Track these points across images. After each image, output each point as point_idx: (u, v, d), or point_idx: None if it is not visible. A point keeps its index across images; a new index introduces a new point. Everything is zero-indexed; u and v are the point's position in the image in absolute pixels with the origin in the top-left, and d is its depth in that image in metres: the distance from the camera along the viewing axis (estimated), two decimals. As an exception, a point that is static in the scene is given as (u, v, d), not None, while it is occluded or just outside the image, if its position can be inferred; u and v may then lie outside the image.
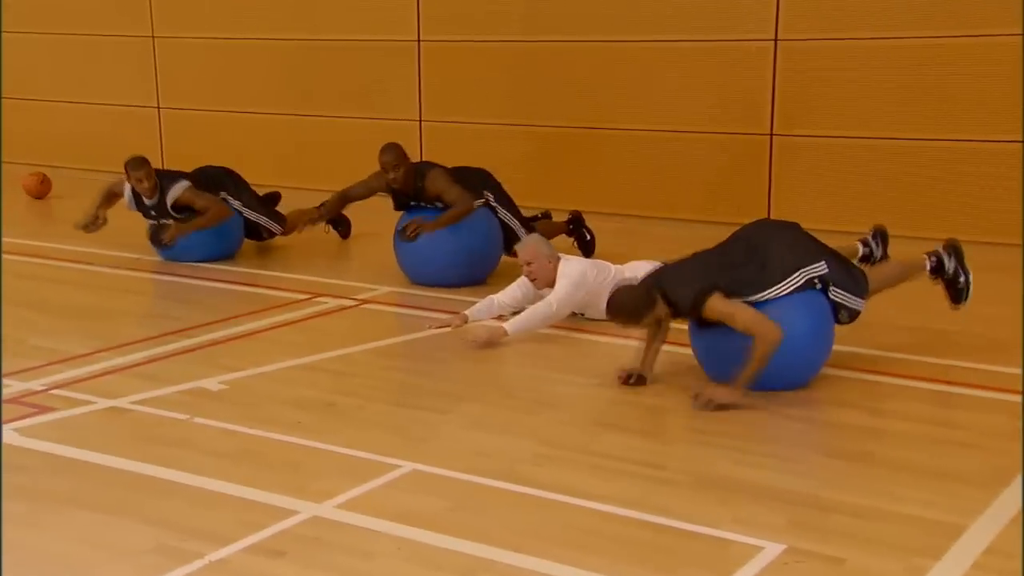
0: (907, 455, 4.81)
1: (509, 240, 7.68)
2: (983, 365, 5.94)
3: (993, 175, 8.53)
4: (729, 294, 5.33)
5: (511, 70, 10.21)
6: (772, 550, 3.93)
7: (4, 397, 5.48)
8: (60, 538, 4.10)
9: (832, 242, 5.86)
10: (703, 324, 5.46)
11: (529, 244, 6.75)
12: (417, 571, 3.84)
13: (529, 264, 6.59)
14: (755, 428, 5.12)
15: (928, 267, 6.12)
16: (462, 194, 7.53)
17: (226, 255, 8.54)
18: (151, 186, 8.26)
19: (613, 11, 9.69)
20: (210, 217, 8.34)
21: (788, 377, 5.48)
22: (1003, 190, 8.48)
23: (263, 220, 8.68)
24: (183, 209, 8.32)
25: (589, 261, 6.85)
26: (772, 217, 8.77)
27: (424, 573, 3.82)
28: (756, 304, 5.36)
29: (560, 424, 5.21)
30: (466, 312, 6.67)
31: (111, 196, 8.62)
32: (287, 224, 8.70)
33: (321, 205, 8.21)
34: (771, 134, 9.24)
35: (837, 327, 5.66)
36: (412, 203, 7.71)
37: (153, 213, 8.40)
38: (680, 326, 5.71)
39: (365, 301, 7.40)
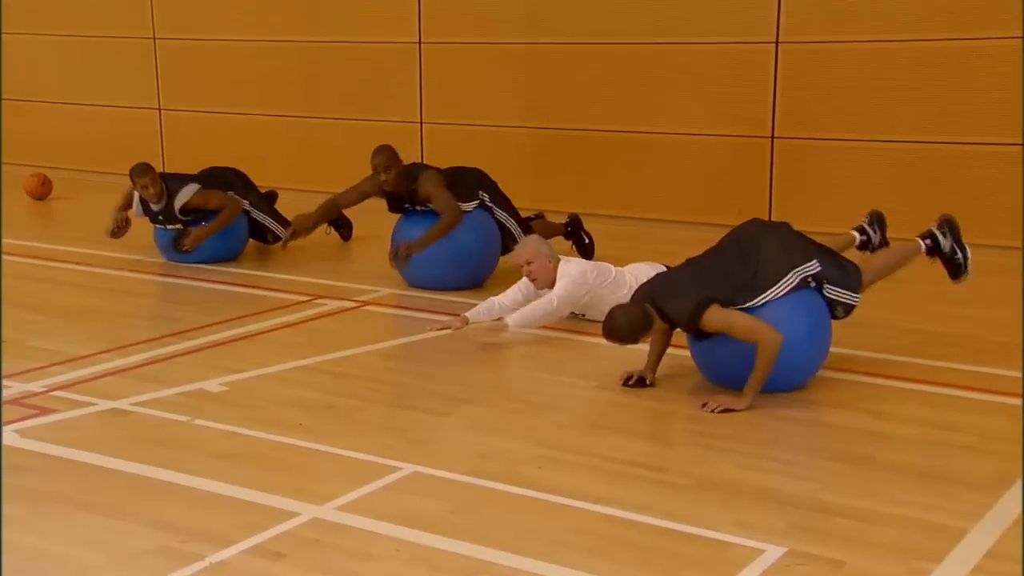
0: (908, 458, 4.81)
1: (506, 240, 7.68)
2: (983, 368, 5.94)
3: (994, 178, 8.53)
4: (725, 303, 5.32)
5: (512, 72, 10.20)
6: (773, 553, 3.93)
7: (5, 398, 5.48)
8: (60, 540, 4.09)
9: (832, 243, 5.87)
10: (701, 336, 5.46)
11: (529, 244, 6.77)
12: (418, 573, 3.84)
13: (529, 264, 6.60)
14: (756, 431, 5.12)
15: (923, 249, 6.09)
16: (449, 202, 7.45)
17: (231, 256, 8.53)
18: (157, 192, 8.24)
19: (614, 14, 9.68)
20: (225, 217, 8.33)
21: (788, 378, 5.48)
22: (1003, 193, 8.48)
23: (269, 222, 8.65)
24: (191, 212, 8.32)
25: (589, 262, 6.85)
26: (773, 220, 8.76)
27: (425, 575, 3.83)
28: (753, 309, 5.36)
29: (561, 426, 5.21)
30: (467, 314, 6.66)
31: (129, 200, 8.59)
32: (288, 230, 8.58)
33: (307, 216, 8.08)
34: (772, 137, 9.23)
35: (836, 329, 5.66)
36: (407, 206, 7.70)
37: (160, 218, 8.38)
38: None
39: (366, 303, 7.39)
